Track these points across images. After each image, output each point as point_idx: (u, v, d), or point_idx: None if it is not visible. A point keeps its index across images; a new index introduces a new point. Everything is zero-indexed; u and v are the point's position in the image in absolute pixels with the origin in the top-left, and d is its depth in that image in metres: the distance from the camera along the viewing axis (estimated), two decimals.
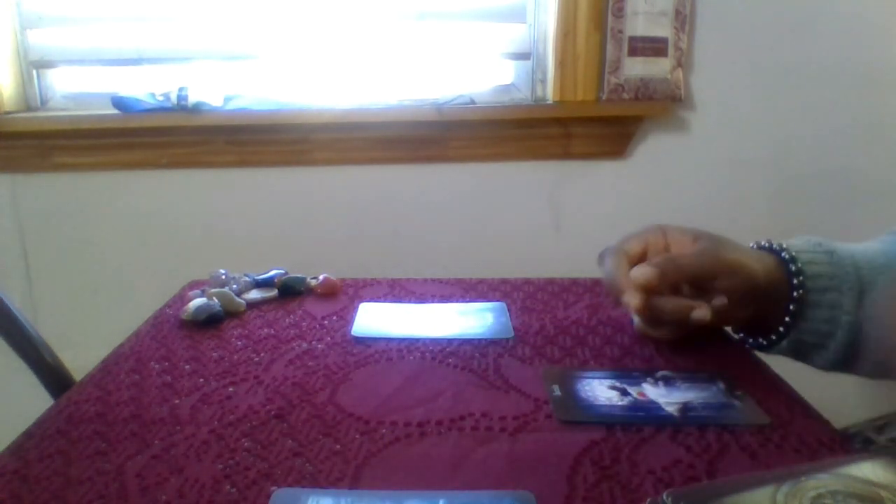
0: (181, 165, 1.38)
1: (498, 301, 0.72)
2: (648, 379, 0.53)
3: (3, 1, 1.35)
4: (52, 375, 0.79)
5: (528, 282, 0.78)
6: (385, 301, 0.72)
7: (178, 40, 1.38)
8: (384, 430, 0.46)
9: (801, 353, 0.59)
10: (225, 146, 1.37)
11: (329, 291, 0.75)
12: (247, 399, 0.50)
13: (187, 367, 0.56)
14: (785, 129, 1.41)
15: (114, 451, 0.44)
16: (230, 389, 0.52)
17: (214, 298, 0.68)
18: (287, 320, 0.67)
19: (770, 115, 1.40)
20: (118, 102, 1.32)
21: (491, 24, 1.39)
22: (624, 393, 0.50)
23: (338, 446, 0.44)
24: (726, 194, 1.43)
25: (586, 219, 1.43)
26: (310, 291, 0.76)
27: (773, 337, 0.58)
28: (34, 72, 1.42)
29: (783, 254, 0.57)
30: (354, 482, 0.40)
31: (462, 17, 1.38)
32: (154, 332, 0.65)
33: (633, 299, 0.53)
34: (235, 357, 0.58)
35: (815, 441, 0.44)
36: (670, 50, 1.33)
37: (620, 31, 1.32)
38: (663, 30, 1.32)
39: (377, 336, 0.62)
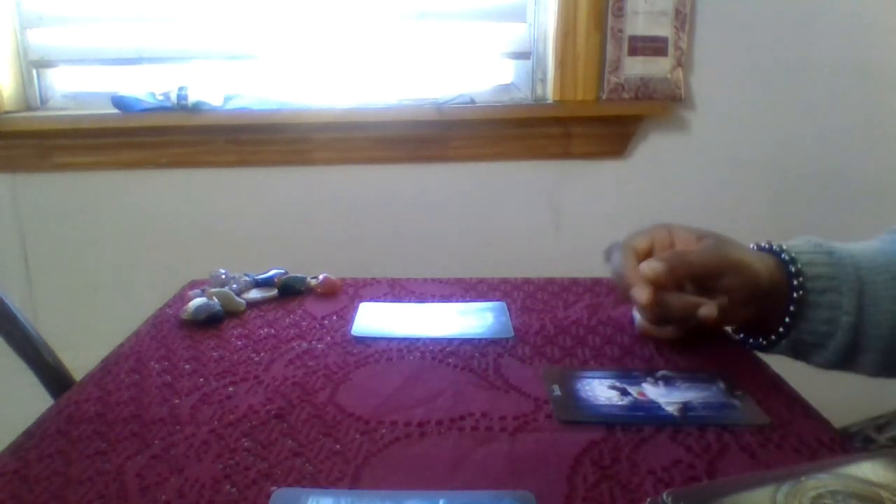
0: (181, 165, 1.38)
1: (498, 301, 0.72)
2: (648, 379, 0.53)
3: (3, 1, 1.35)
4: (52, 375, 0.79)
5: (528, 282, 0.78)
6: (385, 301, 0.72)
7: (178, 40, 1.38)
8: (384, 430, 0.46)
9: (801, 352, 0.59)
10: (225, 146, 1.37)
11: (329, 291, 0.75)
12: (247, 399, 0.50)
13: (187, 367, 0.56)
14: (785, 129, 1.40)
15: (114, 451, 0.44)
16: (230, 389, 0.52)
17: (214, 298, 0.68)
18: (287, 320, 0.67)
19: (770, 115, 1.40)
20: (118, 102, 1.32)
21: (491, 23, 1.39)
22: (624, 393, 0.50)
23: (338, 446, 0.44)
24: (726, 194, 1.43)
25: (586, 219, 1.43)
26: (310, 291, 0.76)
27: (773, 337, 0.58)
28: (34, 71, 1.42)
29: (783, 255, 0.57)
30: (354, 482, 0.40)
31: (462, 17, 1.38)
32: (154, 332, 0.65)
33: (642, 293, 0.53)
34: (235, 357, 0.58)
35: (815, 441, 0.44)
36: (670, 49, 1.33)
37: (620, 31, 1.32)
38: (663, 29, 1.32)
39: (377, 336, 0.62)
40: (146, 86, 1.36)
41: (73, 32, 1.39)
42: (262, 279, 0.76)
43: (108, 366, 0.57)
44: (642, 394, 0.50)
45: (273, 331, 0.64)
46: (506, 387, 0.52)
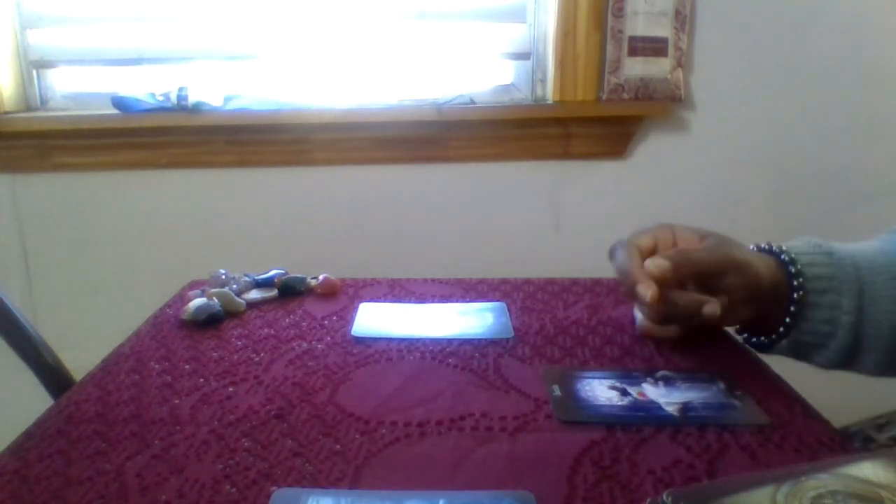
0: (181, 165, 1.38)
1: (498, 301, 0.72)
2: (648, 379, 0.53)
3: (3, 1, 1.35)
4: (52, 375, 0.79)
5: (528, 282, 0.78)
6: (385, 301, 0.72)
7: (178, 40, 1.38)
8: (384, 430, 0.46)
9: (801, 353, 0.59)
10: (225, 146, 1.37)
11: (329, 291, 0.75)
12: (247, 399, 0.50)
13: (187, 367, 0.56)
14: (785, 129, 1.40)
15: (114, 451, 0.44)
16: (230, 389, 0.52)
17: (214, 298, 0.68)
18: (287, 320, 0.67)
19: (770, 115, 1.40)
20: (118, 102, 1.32)
21: (491, 24, 1.39)
22: (624, 393, 0.50)
23: (338, 446, 0.44)
24: (726, 194, 1.43)
25: (586, 219, 1.43)
26: (310, 291, 0.76)
27: (774, 336, 0.58)
28: (34, 72, 1.42)
29: (783, 255, 0.57)
30: (354, 482, 0.40)
31: (462, 17, 1.38)
32: (154, 332, 0.65)
33: (647, 290, 0.53)
34: (235, 357, 0.58)
35: (815, 441, 0.44)
36: (670, 50, 1.33)
37: (620, 31, 1.32)
38: (663, 30, 1.32)
39: (377, 336, 0.62)
40: (146, 86, 1.36)
41: (73, 32, 1.39)
42: (262, 279, 0.76)
43: (108, 366, 0.57)
44: (642, 394, 0.50)
45: (273, 331, 0.64)
46: (506, 387, 0.52)
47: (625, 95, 1.34)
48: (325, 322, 0.66)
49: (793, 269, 0.56)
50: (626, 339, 0.62)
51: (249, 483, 0.40)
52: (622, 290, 0.60)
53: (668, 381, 0.53)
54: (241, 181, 1.41)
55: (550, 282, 0.78)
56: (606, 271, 0.63)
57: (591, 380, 0.53)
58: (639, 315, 0.63)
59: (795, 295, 0.56)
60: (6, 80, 1.36)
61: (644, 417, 0.47)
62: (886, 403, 0.76)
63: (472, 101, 1.37)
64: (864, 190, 1.43)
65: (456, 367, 0.56)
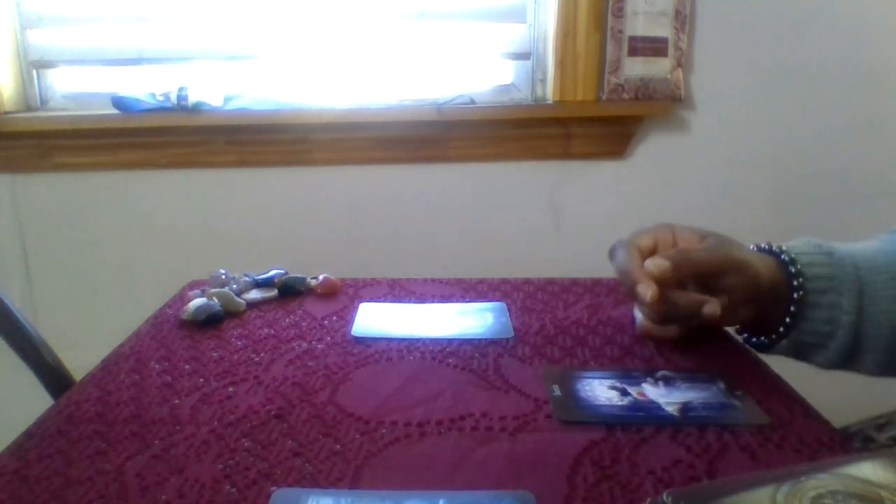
0: (181, 165, 1.38)
1: (498, 301, 0.72)
2: (648, 379, 0.53)
3: (3, 1, 1.35)
4: (52, 375, 0.79)
5: (528, 282, 0.78)
6: (385, 301, 0.72)
7: (178, 40, 1.38)
8: (384, 430, 0.46)
9: (802, 353, 0.59)
10: (225, 146, 1.37)
11: (329, 291, 0.75)
12: (247, 399, 0.50)
13: (187, 367, 0.56)
14: (785, 129, 1.40)
15: (114, 451, 0.44)
16: (230, 389, 0.52)
17: (214, 298, 0.68)
18: (287, 320, 0.67)
19: (770, 115, 1.40)
20: (118, 102, 1.32)
21: (491, 24, 1.39)
22: (624, 393, 0.50)
23: (338, 446, 0.44)
24: (726, 194, 1.43)
25: (586, 219, 1.43)
26: (310, 291, 0.76)
27: (774, 337, 0.58)
28: (34, 72, 1.42)
29: (783, 256, 0.57)
30: (354, 482, 0.40)
31: (462, 17, 1.38)
32: (154, 332, 0.65)
33: (647, 290, 0.53)
34: (235, 357, 0.58)
35: (815, 441, 0.44)
36: (670, 50, 1.33)
37: (620, 31, 1.32)
38: (663, 30, 1.32)
39: (377, 336, 0.62)
40: (146, 86, 1.36)
41: (73, 32, 1.39)
42: (262, 279, 0.76)
43: (108, 366, 0.57)
44: (642, 394, 0.50)
45: (273, 331, 0.64)
46: (506, 387, 0.52)
47: (625, 95, 1.34)
48: (325, 322, 0.66)
49: (793, 269, 0.56)
50: (626, 339, 0.62)
51: (249, 483, 0.40)
52: (622, 289, 0.60)
53: (668, 381, 0.53)
54: (241, 181, 1.41)
55: (550, 282, 0.78)
56: (606, 271, 0.63)
57: (591, 380, 0.53)
58: (639, 315, 0.63)
59: (795, 295, 0.56)
60: (6, 80, 1.36)
61: (644, 417, 0.47)
62: (886, 403, 0.76)
63: (472, 101, 1.37)
64: (864, 190, 1.43)
65: (456, 367, 0.56)
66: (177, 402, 0.50)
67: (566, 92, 1.34)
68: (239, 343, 0.61)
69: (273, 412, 0.48)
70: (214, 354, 0.59)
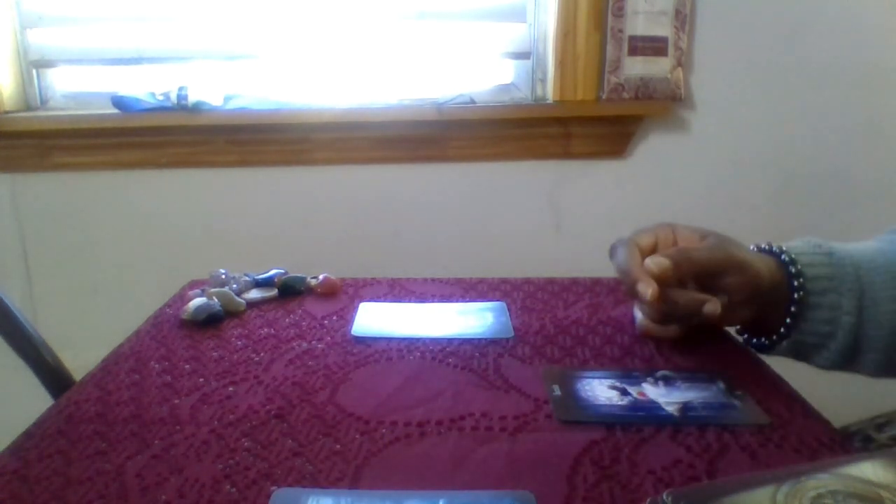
0: (181, 165, 1.38)
1: (498, 301, 0.72)
2: (648, 379, 0.53)
3: (3, 1, 1.35)
4: (52, 375, 0.79)
5: (528, 282, 0.78)
6: (385, 301, 0.72)
7: (178, 40, 1.38)
8: (384, 430, 0.46)
9: (802, 353, 0.59)
10: (225, 146, 1.37)
11: (329, 291, 0.75)
12: (247, 399, 0.50)
13: (187, 367, 0.56)
14: (785, 129, 1.40)
15: (114, 451, 0.44)
16: (230, 389, 0.52)
17: (214, 298, 0.68)
18: (287, 320, 0.67)
19: (770, 115, 1.40)
20: (118, 102, 1.32)
21: (491, 23, 1.39)
22: (624, 393, 0.50)
23: (338, 446, 0.44)
24: (726, 194, 1.43)
25: (586, 219, 1.43)
26: (310, 291, 0.76)
27: (774, 337, 0.58)
28: (34, 71, 1.42)
29: (783, 256, 0.57)
30: (354, 482, 0.40)
31: (462, 17, 1.38)
32: (154, 332, 0.65)
33: (647, 289, 0.53)
34: (235, 357, 0.58)
35: (815, 441, 0.44)
36: (670, 49, 1.33)
37: (620, 31, 1.32)
38: (663, 29, 1.32)
39: (377, 336, 0.62)
40: (146, 86, 1.36)
41: (73, 32, 1.39)
42: (262, 279, 0.76)
43: (108, 366, 0.57)
44: (642, 394, 0.50)
45: (273, 331, 0.64)
46: (506, 387, 0.52)
47: (625, 95, 1.34)
48: (325, 322, 0.66)
49: (793, 270, 0.56)
50: (626, 339, 0.62)
51: (249, 483, 0.40)
52: (622, 288, 0.60)
53: (668, 381, 0.53)
54: (241, 181, 1.41)
55: (550, 282, 0.78)
56: (606, 271, 0.63)
57: (591, 380, 0.53)
58: (639, 314, 0.63)
59: (796, 295, 0.56)
60: (6, 79, 1.36)
61: (644, 417, 0.47)
62: (886, 403, 0.76)
63: (472, 101, 1.37)
64: (864, 190, 1.43)
65: (456, 367, 0.56)
66: (177, 402, 0.50)
67: (566, 92, 1.34)
68: (239, 343, 0.61)
69: (273, 412, 0.48)
70: (214, 354, 0.59)
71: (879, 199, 1.41)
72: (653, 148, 1.41)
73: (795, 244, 0.59)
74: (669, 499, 0.33)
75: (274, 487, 0.39)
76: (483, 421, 0.47)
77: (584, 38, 1.32)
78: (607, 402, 0.49)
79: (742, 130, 1.40)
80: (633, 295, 0.56)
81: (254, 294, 0.73)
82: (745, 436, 0.45)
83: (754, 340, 0.61)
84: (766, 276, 0.55)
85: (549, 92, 1.37)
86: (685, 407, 0.48)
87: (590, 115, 1.37)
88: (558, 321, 0.66)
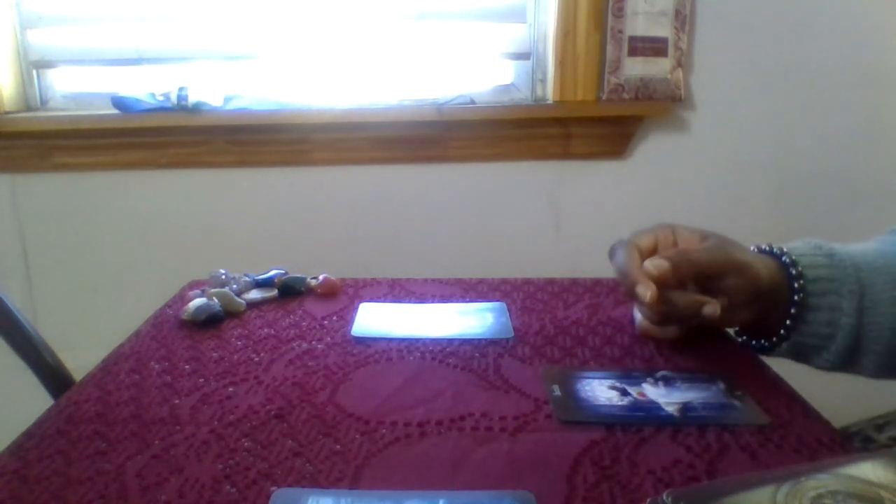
0: (181, 165, 1.38)
1: (498, 301, 0.72)
2: (648, 379, 0.53)
3: (3, 1, 1.35)
4: (52, 375, 0.79)
5: (528, 282, 0.78)
6: (385, 301, 0.72)
7: (178, 40, 1.38)
8: (384, 430, 0.46)
9: (802, 355, 0.59)
10: (225, 146, 1.37)
11: (329, 291, 0.75)
12: (247, 399, 0.50)
13: (187, 367, 0.56)
14: (785, 129, 1.41)
15: (114, 451, 0.44)
16: (230, 389, 0.52)
17: (214, 298, 0.68)
18: (287, 320, 0.67)
19: (770, 115, 1.40)
20: (118, 102, 1.32)
21: (491, 24, 1.39)
22: (624, 393, 0.50)
23: (338, 446, 0.44)
24: (726, 194, 1.43)
25: (586, 219, 1.43)
26: (310, 291, 0.76)
27: (774, 339, 0.58)
28: (34, 72, 1.42)
29: (783, 257, 0.57)
30: (354, 482, 0.40)
31: (462, 17, 1.38)
32: (154, 332, 0.65)
33: (646, 291, 0.53)
34: (235, 357, 0.58)
35: (815, 441, 0.44)
36: (670, 50, 1.33)
37: (620, 31, 1.32)
38: (663, 30, 1.32)
39: (377, 336, 0.62)
40: (146, 86, 1.36)
41: (73, 32, 1.39)
42: (262, 279, 0.76)
43: (108, 366, 0.57)
44: (642, 394, 0.50)
45: (273, 331, 0.64)
46: (506, 387, 0.52)
47: (625, 95, 1.34)
48: (325, 322, 0.66)
49: (794, 271, 0.56)
50: (626, 339, 0.62)
51: (249, 483, 0.40)
52: (622, 290, 0.60)
53: (668, 381, 0.53)
54: (241, 181, 1.41)
55: (550, 282, 0.78)
56: (606, 271, 0.63)
57: (591, 380, 0.53)
58: (638, 315, 0.63)
59: (796, 297, 0.56)
60: (6, 80, 1.36)
61: (644, 417, 0.47)
62: (886, 403, 0.76)
63: (472, 101, 1.37)
64: (864, 190, 1.43)
65: (456, 367, 0.56)
66: (177, 402, 0.50)
67: (566, 92, 1.34)
68: (239, 343, 0.61)
69: (273, 412, 0.48)
70: (214, 354, 0.59)
71: (879, 199, 1.41)
72: (653, 148, 1.41)
73: (796, 245, 0.59)
74: (669, 499, 0.33)
75: (274, 487, 0.39)
76: (483, 421, 0.47)
77: (584, 38, 1.32)
78: (607, 403, 0.49)
79: (742, 130, 1.40)
80: (632, 297, 0.56)
81: (254, 294, 0.73)
82: (745, 436, 0.45)
83: (753, 342, 0.61)
84: (765, 278, 0.55)
85: (549, 92, 1.37)
86: (685, 407, 0.48)
87: (590, 115, 1.37)
88: (558, 321, 0.66)
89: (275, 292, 0.74)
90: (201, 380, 0.54)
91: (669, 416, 0.47)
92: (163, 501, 0.38)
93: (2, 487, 0.40)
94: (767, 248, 0.59)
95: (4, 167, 1.38)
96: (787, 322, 0.57)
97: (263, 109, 1.34)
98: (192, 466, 0.42)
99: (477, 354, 0.58)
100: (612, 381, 0.52)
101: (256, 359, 0.58)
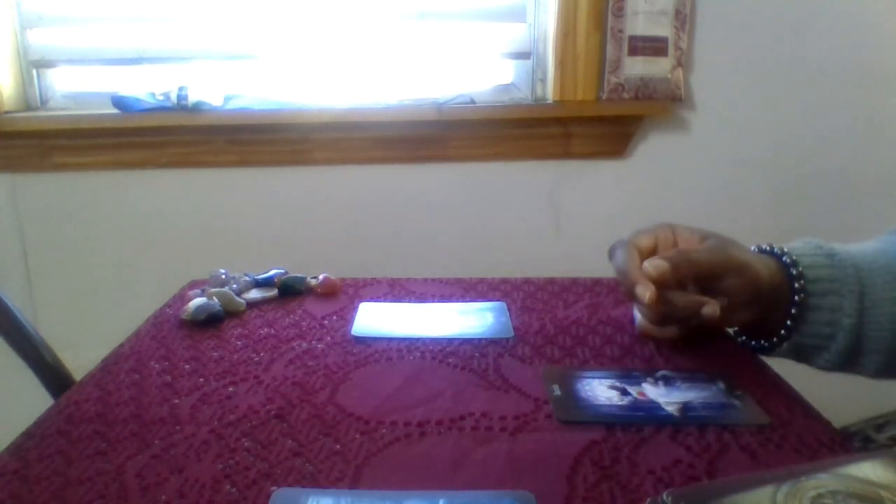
0: (181, 165, 1.38)
1: (498, 301, 0.72)
2: (648, 379, 0.53)
3: (3, 1, 1.35)
4: (52, 375, 0.79)
5: (528, 282, 0.78)
6: (385, 301, 0.72)
7: (178, 40, 1.38)
8: (384, 430, 0.46)
9: (802, 355, 0.59)
10: (225, 146, 1.37)
11: (329, 291, 0.75)
12: (247, 399, 0.50)
13: (187, 367, 0.56)
14: (785, 129, 1.41)
15: (114, 451, 0.44)
16: (230, 389, 0.52)
17: (214, 298, 0.68)
18: (287, 320, 0.67)
19: (770, 115, 1.40)
20: (118, 102, 1.32)
21: (491, 23, 1.39)
22: (624, 393, 0.50)
23: (338, 446, 0.44)
24: (726, 194, 1.43)
25: (586, 219, 1.43)
26: (310, 291, 0.76)
27: (775, 339, 0.58)
28: (34, 71, 1.42)
29: (784, 257, 0.57)
30: (354, 482, 0.40)
31: (462, 17, 1.38)
32: (154, 331, 0.65)
33: (645, 291, 0.53)
34: (235, 357, 0.58)
35: (815, 441, 0.44)
36: (670, 49, 1.33)
37: (620, 31, 1.32)
38: (663, 29, 1.32)
39: (377, 336, 0.62)
40: (146, 86, 1.36)
41: (73, 32, 1.39)
42: (262, 279, 0.76)
43: (108, 366, 0.57)
44: (642, 394, 0.50)
45: (273, 331, 0.64)
46: (506, 387, 0.52)
47: (625, 95, 1.34)
48: (325, 322, 0.66)
49: (794, 271, 0.56)
50: (626, 338, 0.62)
51: (249, 483, 0.40)
52: (621, 290, 0.60)
53: (668, 381, 0.53)
54: (241, 181, 1.41)
55: (550, 282, 0.78)
56: (606, 271, 0.63)
57: (591, 380, 0.53)
58: (638, 315, 0.62)
59: (796, 297, 0.56)
60: (6, 80, 1.36)
61: (644, 417, 0.47)
62: (886, 403, 0.76)
63: (472, 101, 1.37)
64: (864, 190, 1.43)
65: (456, 367, 0.56)
66: (177, 402, 0.50)
67: (566, 92, 1.34)
68: (239, 343, 0.61)
69: (273, 412, 0.48)
70: (214, 354, 0.59)
71: (879, 199, 1.41)
72: (653, 148, 1.41)
73: (796, 245, 0.59)
74: (669, 499, 0.33)
75: (274, 487, 0.39)
76: (483, 421, 0.47)
77: (584, 38, 1.32)
78: (607, 402, 0.49)
79: (742, 130, 1.40)
80: (631, 297, 0.56)
81: (254, 294, 0.73)
82: (745, 436, 0.45)
83: (753, 342, 0.61)
84: (766, 278, 0.55)
85: (549, 92, 1.37)
86: (685, 407, 0.48)
87: (590, 115, 1.37)
88: (558, 321, 0.66)
89: (275, 292, 0.74)
90: (201, 379, 0.54)
91: (669, 416, 0.47)
92: (163, 501, 0.38)
93: (2, 487, 0.40)
94: (768, 248, 0.59)
95: (4, 167, 1.38)
96: (788, 322, 0.57)
97: (263, 109, 1.34)
98: (192, 466, 0.42)
99: (477, 354, 0.58)
100: (612, 381, 0.52)
101: (256, 358, 0.58)
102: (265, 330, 0.64)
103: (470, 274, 0.82)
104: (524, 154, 1.40)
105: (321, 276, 0.76)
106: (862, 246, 0.59)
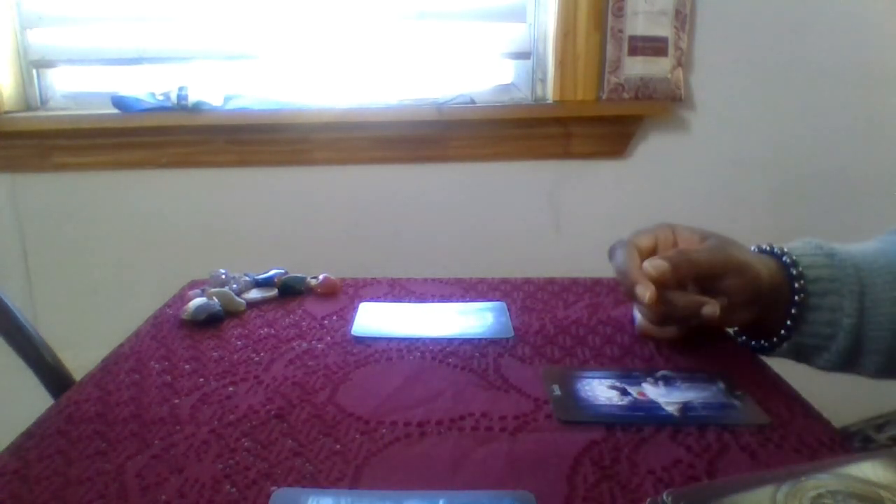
0: (181, 165, 1.38)
1: (498, 301, 0.72)
2: (648, 379, 0.53)
3: (3, 1, 1.35)
4: (52, 375, 0.79)
5: (528, 281, 0.78)
6: (385, 301, 0.72)
7: (178, 40, 1.38)
8: (384, 430, 0.46)
9: (802, 355, 0.59)
10: (225, 146, 1.37)
11: (329, 291, 0.75)
12: (247, 399, 0.50)
13: (187, 367, 0.56)
14: (785, 129, 1.41)
15: (114, 451, 0.44)
16: (230, 389, 0.52)
17: (214, 298, 0.68)
18: (287, 320, 0.67)
19: (770, 115, 1.40)
20: (118, 102, 1.32)
21: (491, 23, 1.40)
22: (624, 393, 0.50)
23: (338, 446, 0.44)
24: (726, 194, 1.43)
25: (586, 219, 1.43)
26: (310, 291, 0.76)
27: (775, 339, 0.58)
28: (34, 71, 1.42)
29: (784, 257, 0.57)
30: (354, 482, 0.40)
31: (462, 17, 1.38)
32: (154, 332, 0.65)
33: (645, 291, 0.53)
34: (235, 357, 0.58)
35: (815, 441, 0.44)
36: (670, 49, 1.33)
37: (620, 31, 1.32)
38: (663, 29, 1.32)
39: (377, 336, 0.62)
40: (146, 86, 1.36)
41: (73, 32, 1.39)
42: (262, 279, 0.76)
43: (108, 366, 0.57)
44: (642, 394, 0.50)
45: (273, 331, 0.64)
46: (506, 387, 0.52)
47: (625, 95, 1.34)
48: (325, 322, 0.66)
49: (794, 271, 0.56)
50: (626, 338, 0.62)
51: (249, 483, 0.40)
52: (621, 290, 0.60)
53: (668, 381, 0.53)
54: (241, 181, 1.41)
55: (550, 282, 0.78)
56: (606, 271, 0.63)
57: (591, 379, 0.53)
58: (638, 315, 0.62)
59: (796, 297, 0.56)
60: (6, 80, 1.36)
61: (644, 417, 0.47)
62: (886, 403, 0.76)
63: (472, 101, 1.37)
64: (864, 190, 1.43)
65: (456, 367, 0.56)
66: (177, 402, 0.50)
67: (566, 92, 1.34)
68: (239, 343, 0.61)
69: (273, 412, 0.48)
70: (214, 354, 0.59)
71: (879, 199, 1.41)
72: (653, 148, 1.41)
73: (796, 245, 0.59)
74: (669, 499, 0.33)
75: (274, 487, 0.39)
76: (483, 421, 0.47)
77: (584, 38, 1.32)
78: (607, 402, 0.49)
79: (742, 130, 1.40)
80: (631, 297, 0.56)
81: (254, 294, 0.73)
82: (745, 436, 0.45)
83: (753, 342, 0.61)
84: (766, 278, 0.55)
85: (549, 92, 1.37)
86: (685, 407, 0.48)
87: (590, 115, 1.37)
88: (558, 321, 0.66)
89: (275, 292, 0.74)
90: (201, 379, 0.54)
91: (669, 416, 0.47)
92: (163, 501, 0.38)
93: (2, 487, 0.40)
94: (768, 248, 0.59)
95: (4, 167, 1.38)
96: (788, 322, 0.57)
97: (263, 109, 1.34)
98: (192, 466, 0.42)
99: (477, 354, 0.58)
100: (612, 381, 0.52)
101: (256, 358, 0.58)
102: (265, 330, 0.64)
103: (470, 274, 0.82)
104: (524, 154, 1.40)
105: (321, 276, 0.76)
106: (862, 246, 0.59)
